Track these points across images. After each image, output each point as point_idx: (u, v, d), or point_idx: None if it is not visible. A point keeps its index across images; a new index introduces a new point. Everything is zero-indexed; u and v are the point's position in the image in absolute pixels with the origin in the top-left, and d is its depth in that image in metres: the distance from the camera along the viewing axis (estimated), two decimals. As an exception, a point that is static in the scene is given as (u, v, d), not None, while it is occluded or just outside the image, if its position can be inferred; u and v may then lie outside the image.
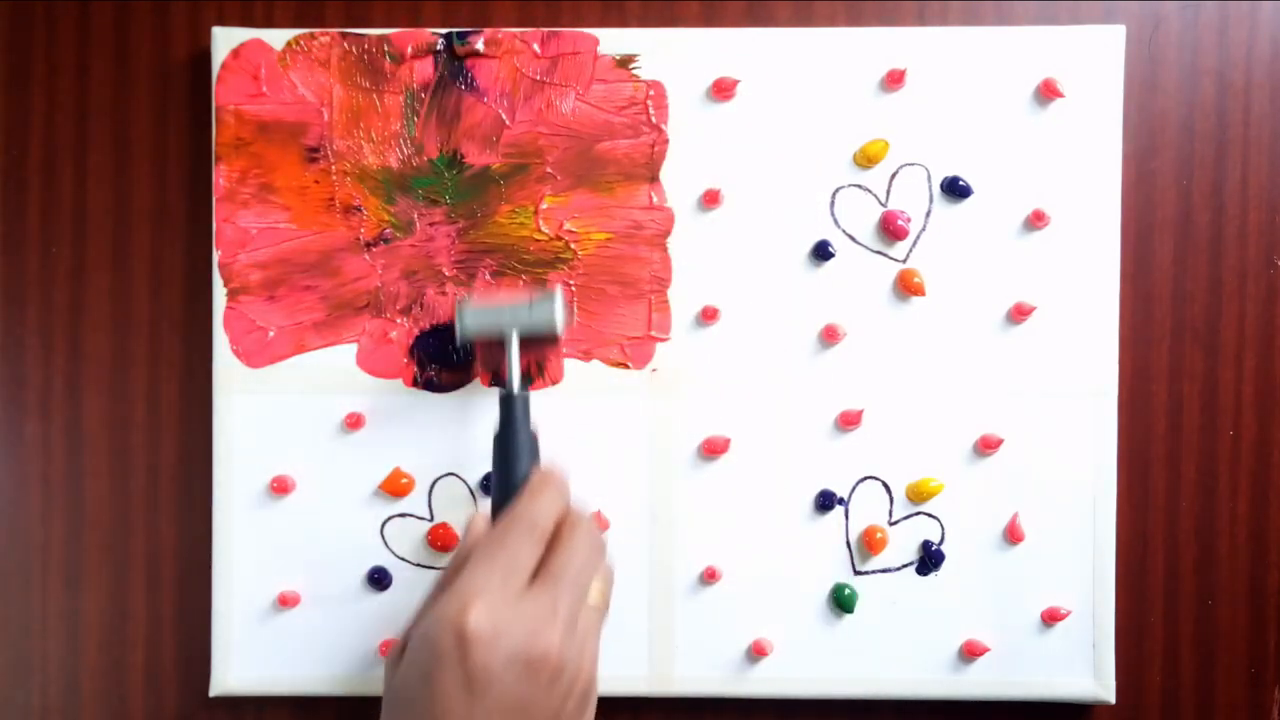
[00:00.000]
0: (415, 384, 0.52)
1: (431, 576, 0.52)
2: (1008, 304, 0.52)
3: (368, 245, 0.52)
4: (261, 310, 0.52)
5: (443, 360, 0.52)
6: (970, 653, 0.52)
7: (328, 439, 0.52)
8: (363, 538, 0.52)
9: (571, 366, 0.52)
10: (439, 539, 0.52)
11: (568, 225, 0.52)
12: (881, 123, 0.52)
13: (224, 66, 0.52)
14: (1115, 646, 0.52)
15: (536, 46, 0.52)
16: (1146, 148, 0.53)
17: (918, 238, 0.52)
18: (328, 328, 0.52)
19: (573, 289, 0.52)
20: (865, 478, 0.52)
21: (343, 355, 0.52)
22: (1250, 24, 0.53)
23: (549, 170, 0.52)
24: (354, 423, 0.52)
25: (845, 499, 0.52)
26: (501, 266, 0.52)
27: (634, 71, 0.52)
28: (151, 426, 0.54)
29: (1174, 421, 0.53)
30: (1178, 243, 0.53)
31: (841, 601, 0.52)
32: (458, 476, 0.52)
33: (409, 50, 0.52)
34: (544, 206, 0.52)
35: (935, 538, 0.52)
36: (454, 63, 0.52)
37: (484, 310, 0.50)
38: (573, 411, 0.52)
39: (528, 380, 0.52)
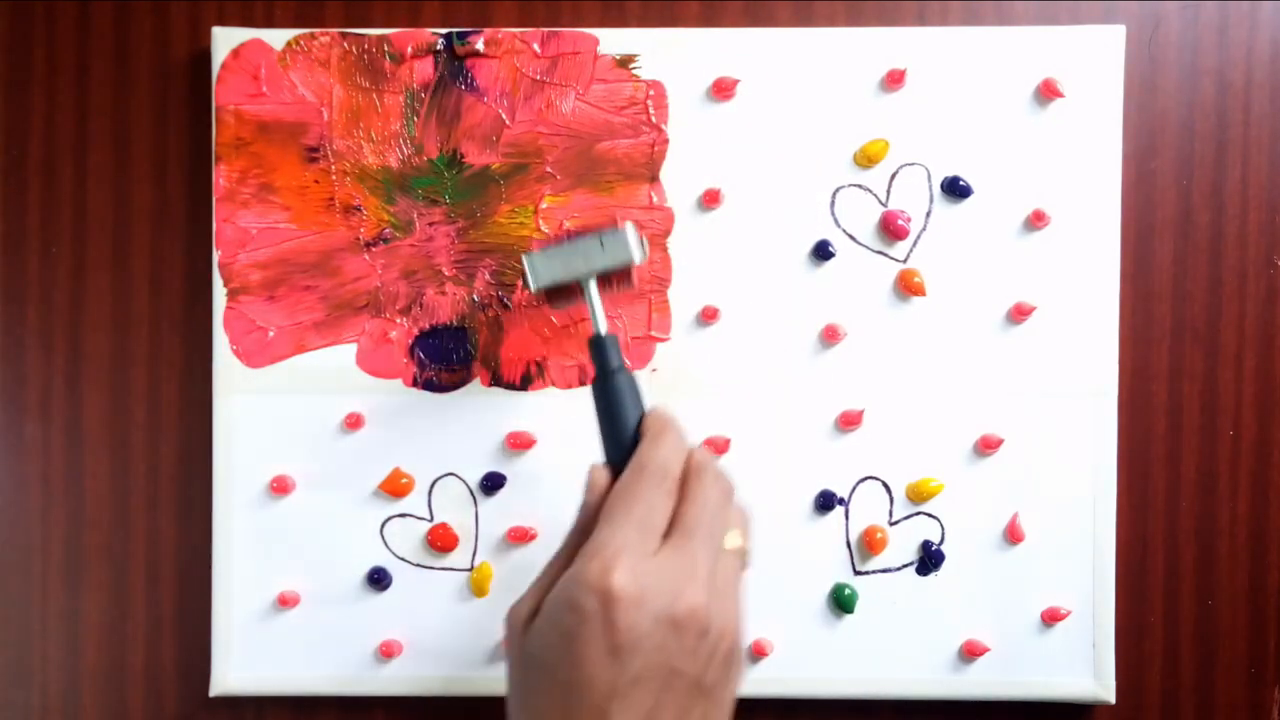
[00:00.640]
0: (415, 384, 0.52)
1: (431, 576, 0.52)
2: (1008, 304, 0.52)
3: (367, 245, 0.52)
4: (261, 310, 0.52)
5: (442, 360, 0.52)
6: (970, 653, 0.52)
7: (327, 439, 0.52)
8: (362, 538, 0.52)
9: (571, 366, 0.52)
10: (438, 539, 0.52)
11: (567, 225, 0.52)
12: (881, 123, 0.52)
13: (224, 66, 0.52)
14: (1115, 646, 0.52)
15: (536, 46, 0.52)
16: (1146, 148, 0.53)
17: (918, 238, 0.52)
18: (327, 328, 0.52)
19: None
20: (865, 478, 0.52)
21: (342, 355, 0.52)
22: (1250, 24, 0.53)
23: (549, 170, 0.52)
24: (354, 423, 0.52)
25: (845, 499, 0.52)
26: (501, 266, 0.52)
27: (634, 71, 0.52)
28: (151, 426, 0.54)
29: (1174, 421, 0.53)
30: (1178, 243, 0.53)
31: (842, 601, 0.52)
32: (457, 476, 0.52)
33: (409, 50, 0.52)
34: (544, 206, 0.52)
35: (935, 538, 0.52)
36: (454, 63, 0.52)
37: (555, 255, 0.47)
38: (573, 411, 0.52)
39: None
